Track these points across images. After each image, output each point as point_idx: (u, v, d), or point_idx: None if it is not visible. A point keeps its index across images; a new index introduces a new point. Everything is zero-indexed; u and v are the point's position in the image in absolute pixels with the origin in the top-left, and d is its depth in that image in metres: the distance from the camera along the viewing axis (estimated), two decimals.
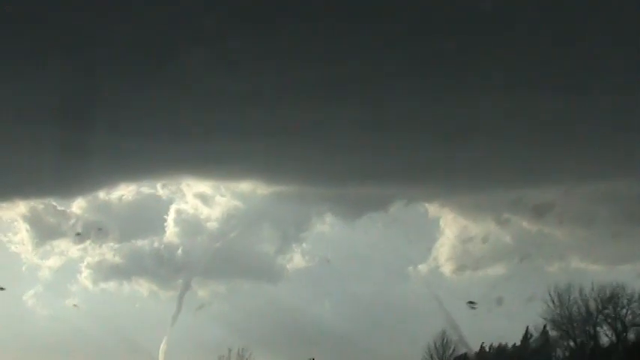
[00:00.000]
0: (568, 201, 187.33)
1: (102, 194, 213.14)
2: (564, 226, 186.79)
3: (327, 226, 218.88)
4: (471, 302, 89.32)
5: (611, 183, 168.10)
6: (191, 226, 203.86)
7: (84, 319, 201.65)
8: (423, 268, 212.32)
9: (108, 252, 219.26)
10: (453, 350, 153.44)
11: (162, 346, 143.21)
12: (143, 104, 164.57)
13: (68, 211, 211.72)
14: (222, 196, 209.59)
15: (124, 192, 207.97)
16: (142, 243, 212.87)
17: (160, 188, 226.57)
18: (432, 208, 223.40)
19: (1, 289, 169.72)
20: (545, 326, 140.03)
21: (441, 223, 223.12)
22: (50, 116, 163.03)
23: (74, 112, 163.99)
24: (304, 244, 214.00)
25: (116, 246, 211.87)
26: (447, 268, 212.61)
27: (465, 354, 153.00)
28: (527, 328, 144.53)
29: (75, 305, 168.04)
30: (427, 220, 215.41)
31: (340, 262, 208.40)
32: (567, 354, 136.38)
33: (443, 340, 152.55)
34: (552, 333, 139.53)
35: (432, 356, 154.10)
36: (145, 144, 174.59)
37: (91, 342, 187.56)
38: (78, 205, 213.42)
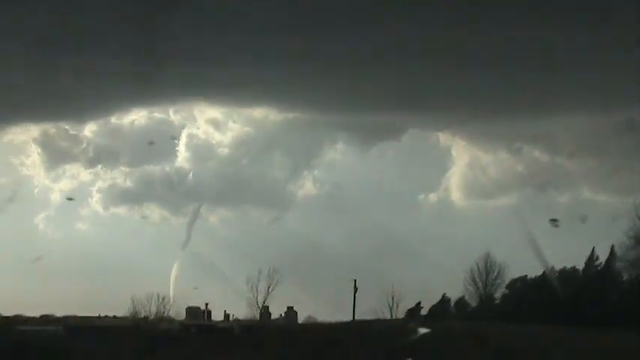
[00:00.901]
0: (581, 131, 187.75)
1: (114, 119, 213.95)
2: (577, 156, 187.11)
3: (338, 153, 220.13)
4: (553, 220, 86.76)
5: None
6: (202, 151, 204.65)
7: (94, 244, 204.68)
8: (433, 196, 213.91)
9: (119, 177, 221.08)
10: (498, 273, 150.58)
11: (174, 272, 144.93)
12: (157, 28, 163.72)
13: (80, 135, 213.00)
14: (235, 122, 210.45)
15: (136, 117, 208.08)
16: (153, 168, 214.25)
17: (172, 114, 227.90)
18: (444, 137, 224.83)
19: (70, 199, 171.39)
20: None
21: (453, 151, 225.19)
22: (64, 40, 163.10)
23: (88, 37, 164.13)
24: (315, 172, 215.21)
25: (127, 171, 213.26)
26: (457, 197, 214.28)
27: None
28: (594, 249, 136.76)
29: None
30: (439, 148, 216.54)
31: (351, 190, 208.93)
32: None
33: (486, 262, 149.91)
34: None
35: (474, 279, 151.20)
36: (158, 69, 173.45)
37: (102, 266, 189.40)
38: (90, 130, 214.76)
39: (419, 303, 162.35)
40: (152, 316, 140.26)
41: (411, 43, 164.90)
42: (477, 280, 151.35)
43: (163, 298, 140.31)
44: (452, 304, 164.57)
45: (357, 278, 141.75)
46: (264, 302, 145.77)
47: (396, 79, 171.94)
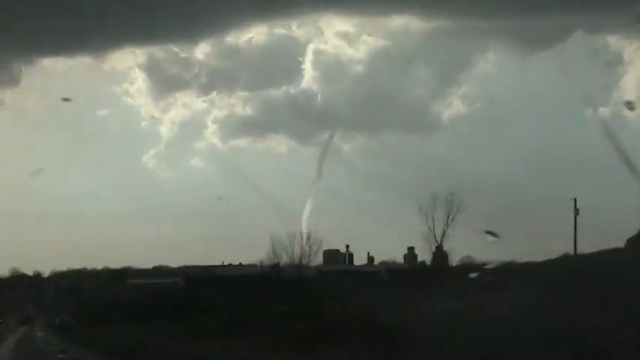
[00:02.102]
0: None
1: (229, 38, 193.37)
2: None
3: (490, 65, 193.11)
4: None
5: None
6: (333, 70, 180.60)
7: (212, 182, 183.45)
8: (604, 111, 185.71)
9: (237, 103, 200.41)
10: None
11: (306, 212, 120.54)
12: None
13: (191, 57, 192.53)
14: (369, 35, 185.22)
15: (254, 34, 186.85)
16: (275, 92, 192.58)
17: (295, 28, 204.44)
18: (614, 41, 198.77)
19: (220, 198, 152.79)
20: None
21: (625, 57, 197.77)
22: None
23: None
24: (464, 88, 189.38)
25: (247, 96, 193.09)
26: (632, 112, 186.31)
27: None
28: None
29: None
30: (608, 54, 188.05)
31: (506, 107, 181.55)
32: None
33: None
34: None
35: None
36: None
37: (220, 208, 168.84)
38: (202, 51, 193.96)
39: None
40: (292, 259, 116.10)
41: None
42: None
43: (309, 237, 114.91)
44: None
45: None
46: (442, 236, 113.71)
47: None
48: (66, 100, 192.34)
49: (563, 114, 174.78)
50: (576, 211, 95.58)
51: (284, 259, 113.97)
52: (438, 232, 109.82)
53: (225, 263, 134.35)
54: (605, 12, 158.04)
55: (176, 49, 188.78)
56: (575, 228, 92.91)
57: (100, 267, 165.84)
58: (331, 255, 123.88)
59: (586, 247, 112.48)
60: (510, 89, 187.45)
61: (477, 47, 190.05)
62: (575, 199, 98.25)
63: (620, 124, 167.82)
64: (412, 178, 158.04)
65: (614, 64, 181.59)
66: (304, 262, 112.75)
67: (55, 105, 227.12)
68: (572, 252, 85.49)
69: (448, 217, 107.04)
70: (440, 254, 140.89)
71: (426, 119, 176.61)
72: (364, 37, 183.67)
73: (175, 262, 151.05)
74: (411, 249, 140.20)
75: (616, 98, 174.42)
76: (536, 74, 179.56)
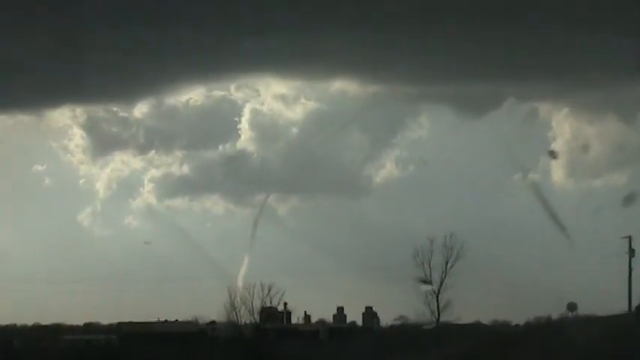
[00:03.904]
0: None
1: (167, 98, 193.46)
2: None
3: (424, 130, 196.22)
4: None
5: None
6: (269, 131, 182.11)
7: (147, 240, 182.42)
8: (533, 176, 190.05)
9: (174, 163, 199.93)
10: None
11: (242, 272, 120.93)
12: None
13: (130, 117, 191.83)
14: (308, 98, 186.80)
15: (192, 95, 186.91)
16: (212, 153, 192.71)
17: (233, 90, 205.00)
18: (543, 108, 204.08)
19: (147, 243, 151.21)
20: None
21: (553, 124, 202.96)
22: (109, 11, 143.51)
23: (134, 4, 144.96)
24: (397, 151, 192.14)
25: (183, 156, 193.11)
26: (559, 176, 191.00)
27: None
28: None
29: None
30: (537, 120, 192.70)
31: (437, 170, 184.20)
32: None
33: None
34: None
35: None
36: (217, 38, 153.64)
37: (155, 268, 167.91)
38: (140, 111, 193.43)
39: None
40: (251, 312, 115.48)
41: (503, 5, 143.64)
42: None
43: (270, 289, 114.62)
44: None
45: None
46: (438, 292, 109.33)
47: (489, 43, 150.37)
48: None
49: (492, 178, 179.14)
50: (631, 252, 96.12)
51: (242, 312, 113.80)
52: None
53: (162, 320, 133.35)
54: (534, 80, 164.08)
55: (115, 108, 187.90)
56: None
57: (30, 323, 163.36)
58: (270, 313, 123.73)
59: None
60: (441, 153, 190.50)
61: (411, 112, 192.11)
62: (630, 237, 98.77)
63: (547, 188, 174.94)
64: (345, 239, 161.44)
65: (543, 129, 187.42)
66: (262, 315, 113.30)
67: None
68: None
69: (447, 264, 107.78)
70: (369, 314, 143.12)
71: (359, 182, 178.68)
72: (303, 100, 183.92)
73: (107, 319, 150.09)
74: (340, 308, 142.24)
75: (543, 164, 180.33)
76: (467, 139, 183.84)
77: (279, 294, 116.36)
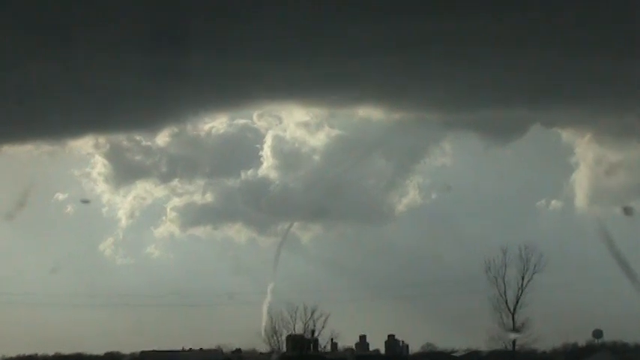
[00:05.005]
0: None
1: (189, 126, 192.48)
2: None
3: (447, 157, 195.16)
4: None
5: None
6: (291, 160, 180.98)
7: (169, 270, 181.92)
8: (555, 203, 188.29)
9: (197, 192, 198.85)
10: None
11: (266, 303, 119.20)
12: (239, 20, 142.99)
13: (153, 145, 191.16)
14: (331, 126, 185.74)
15: (215, 123, 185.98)
16: (234, 182, 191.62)
17: (256, 119, 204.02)
18: (566, 135, 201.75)
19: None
20: None
21: (577, 150, 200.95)
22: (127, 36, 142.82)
23: (159, 34, 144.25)
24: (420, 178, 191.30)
25: (206, 184, 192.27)
26: (583, 202, 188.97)
27: None
28: None
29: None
30: (560, 147, 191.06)
31: (460, 197, 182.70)
32: None
33: None
34: None
35: None
36: (240, 65, 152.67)
37: (177, 296, 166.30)
38: (162, 139, 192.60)
39: None
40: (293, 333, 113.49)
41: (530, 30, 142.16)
42: None
43: (313, 312, 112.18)
44: None
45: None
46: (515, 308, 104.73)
47: (515, 68, 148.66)
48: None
49: (517, 204, 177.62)
50: None
51: (284, 335, 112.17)
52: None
53: (186, 348, 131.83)
54: (559, 106, 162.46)
55: (138, 137, 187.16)
56: None
57: (51, 353, 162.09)
58: (296, 340, 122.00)
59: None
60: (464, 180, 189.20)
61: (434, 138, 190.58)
62: None
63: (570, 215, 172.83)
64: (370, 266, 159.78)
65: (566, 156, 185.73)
66: (289, 343, 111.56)
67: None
68: None
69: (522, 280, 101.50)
70: (391, 343, 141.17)
71: (382, 209, 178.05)
72: (327, 128, 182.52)
73: (129, 349, 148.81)
74: (362, 336, 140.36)
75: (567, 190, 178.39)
76: (491, 166, 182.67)
77: (322, 317, 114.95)
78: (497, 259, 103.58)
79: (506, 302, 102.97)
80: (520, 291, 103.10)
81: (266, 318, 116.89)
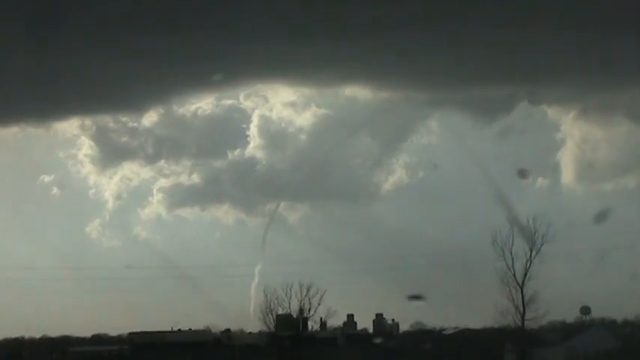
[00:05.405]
0: None
1: (175, 107, 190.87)
2: None
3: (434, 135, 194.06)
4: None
5: None
6: (278, 140, 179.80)
7: (156, 252, 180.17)
8: (542, 181, 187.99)
9: (184, 172, 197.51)
10: None
11: (254, 283, 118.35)
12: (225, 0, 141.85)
13: (138, 126, 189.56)
14: (318, 106, 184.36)
15: (201, 104, 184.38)
16: (221, 162, 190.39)
17: (242, 99, 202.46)
18: (552, 112, 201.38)
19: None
20: None
21: (562, 127, 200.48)
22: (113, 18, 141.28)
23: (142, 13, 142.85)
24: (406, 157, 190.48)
25: (193, 165, 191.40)
26: (569, 179, 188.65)
27: None
28: None
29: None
30: (546, 124, 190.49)
31: (447, 175, 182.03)
32: None
33: None
34: None
35: None
36: (225, 46, 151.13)
37: (164, 278, 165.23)
38: (149, 120, 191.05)
39: None
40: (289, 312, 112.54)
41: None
42: None
43: (308, 289, 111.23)
44: None
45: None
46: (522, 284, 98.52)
47: (504, 47, 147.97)
48: None
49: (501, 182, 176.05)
50: None
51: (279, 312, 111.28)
52: None
53: (174, 329, 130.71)
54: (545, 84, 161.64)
55: (124, 119, 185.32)
56: None
57: (38, 336, 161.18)
58: (285, 319, 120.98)
59: None
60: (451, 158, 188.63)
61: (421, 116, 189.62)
62: None
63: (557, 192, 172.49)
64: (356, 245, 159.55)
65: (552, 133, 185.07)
66: (278, 323, 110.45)
67: None
68: None
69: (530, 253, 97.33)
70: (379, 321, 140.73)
71: (369, 188, 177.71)
72: (314, 107, 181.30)
73: (116, 330, 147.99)
74: (350, 315, 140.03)
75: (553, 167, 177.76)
76: (478, 144, 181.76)
77: (318, 294, 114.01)
78: (503, 231, 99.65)
79: (514, 275, 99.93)
80: (529, 263, 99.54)
81: (255, 298, 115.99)
